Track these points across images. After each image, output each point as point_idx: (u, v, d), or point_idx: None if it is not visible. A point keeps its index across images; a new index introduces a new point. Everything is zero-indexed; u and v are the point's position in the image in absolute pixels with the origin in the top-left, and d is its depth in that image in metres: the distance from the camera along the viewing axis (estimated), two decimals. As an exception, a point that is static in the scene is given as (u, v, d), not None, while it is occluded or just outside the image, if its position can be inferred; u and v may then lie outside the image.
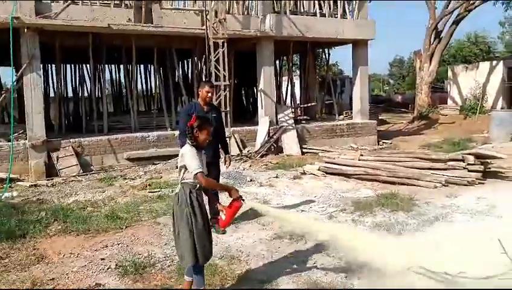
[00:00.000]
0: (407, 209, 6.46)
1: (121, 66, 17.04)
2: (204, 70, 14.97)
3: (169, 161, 11.04)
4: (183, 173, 3.67)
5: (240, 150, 12.14)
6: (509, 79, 21.98)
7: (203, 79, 14.35)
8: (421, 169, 8.41)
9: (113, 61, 17.04)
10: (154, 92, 18.71)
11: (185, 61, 18.10)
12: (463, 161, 8.18)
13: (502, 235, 4.14)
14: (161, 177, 9.61)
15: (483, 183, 7.93)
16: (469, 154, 8.36)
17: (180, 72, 16.14)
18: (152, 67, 16.44)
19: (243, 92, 19.11)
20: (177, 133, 9.67)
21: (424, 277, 3.95)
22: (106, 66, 15.50)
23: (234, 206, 3.73)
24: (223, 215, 3.79)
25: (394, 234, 5.35)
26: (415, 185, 7.96)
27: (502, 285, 3.56)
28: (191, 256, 3.61)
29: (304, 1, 14.35)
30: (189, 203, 3.61)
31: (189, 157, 3.60)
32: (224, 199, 4.53)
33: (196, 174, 3.53)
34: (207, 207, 3.91)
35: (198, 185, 3.66)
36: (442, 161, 8.38)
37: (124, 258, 4.86)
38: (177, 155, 10.59)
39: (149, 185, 8.76)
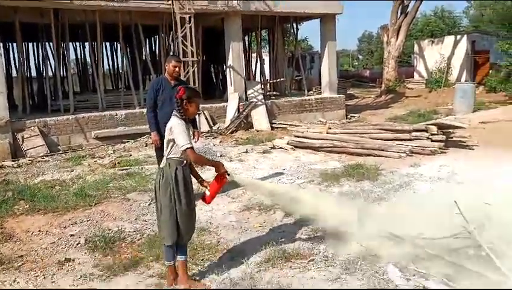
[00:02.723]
0: (373, 179, 6.66)
1: (86, 44, 16.64)
2: (172, 47, 14.79)
3: (139, 139, 10.96)
4: (171, 148, 3.52)
5: (210, 127, 12.15)
6: (472, 52, 22.53)
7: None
8: (386, 140, 8.64)
9: (77, 39, 16.59)
10: (121, 70, 18.41)
11: (152, 38, 17.80)
12: (426, 131, 8.45)
13: (460, 198, 4.34)
14: (130, 155, 9.54)
15: (445, 152, 8.23)
16: (432, 124, 8.63)
17: (148, 50, 15.88)
18: (118, 45, 16.09)
19: (212, 69, 18.99)
20: (145, 111, 9.57)
21: (388, 240, 4.11)
22: (70, 44, 15.08)
23: (220, 181, 3.68)
24: (207, 191, 3.73)
25: (359, 202, 5.51)
26: (381, 156, 8.17)
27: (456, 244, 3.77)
28: (170, 235, 3.55)
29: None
30: (174, 181, 3.50)
31: (179, 132, 3.43)
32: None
33: (186, 149, 3.41)
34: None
35: (185, 161, 3.55)
36: (406, 131, 8.63)
37: (93, 234, 4.87)
38: (146, 133, 10.53)
39: (118, 163, 8.69)
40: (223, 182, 3.71)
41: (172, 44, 14.86)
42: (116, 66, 19.36)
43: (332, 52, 15.05)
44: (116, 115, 11.39)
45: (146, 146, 10.43)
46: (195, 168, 3.83)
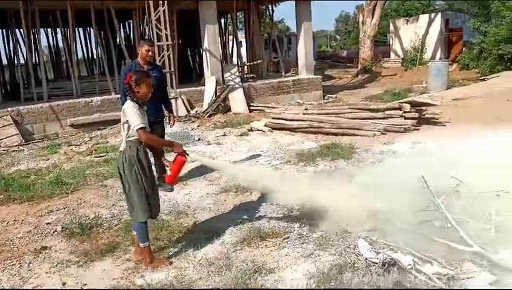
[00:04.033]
0: (347, 157, 6.78)
1: (58, 30, 16.29)
2: (146, 31, 14.60)
3: (115, 125, 10.87)
4: (128, 130, 3.59)
5: (188, 111, 12.11)
6: (446, 30, 22.80)
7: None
8: (361, 119, 8.77)
9: (49, 25, 16.22)
10: (95, 55, 18.13)
11: (126, 23, 17.53)
12: (400, 109, 8.61)
13: (429, 173, 4.47)
14: (107, 142, 9.49)
15: (418, 129, 8.41)
16: (405, 102, 8.79)
17: (122, 34, 15.64)
18: (91, 30, 15.80)
19: (189, 52, 18.83)
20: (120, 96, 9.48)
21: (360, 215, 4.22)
22: (42, 30, 14.76)
23: (178, 160, 3.78)
24: (168, 171, 3.86)
25: (333, 180, 5.62)
26: (356, 135, 8.31)
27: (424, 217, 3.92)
28: (143, 212, 3.66)
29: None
30: (137, 161, 3.59)
31: (130, 113, 3.52)
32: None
33: (137, 130, 3.50)
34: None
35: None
36: (380, 110, 8.77)
37: (70, 221, 4.87)
38: (122, 119, 10.47)
39: (95, 150, 8.65)
40: (183, 162, 3.81)
41: (146, 28, 14.68)
42: (90, 52, 19.06)
43: (308, 33, 15.06)
44: (92, 101, 11.27)
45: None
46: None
